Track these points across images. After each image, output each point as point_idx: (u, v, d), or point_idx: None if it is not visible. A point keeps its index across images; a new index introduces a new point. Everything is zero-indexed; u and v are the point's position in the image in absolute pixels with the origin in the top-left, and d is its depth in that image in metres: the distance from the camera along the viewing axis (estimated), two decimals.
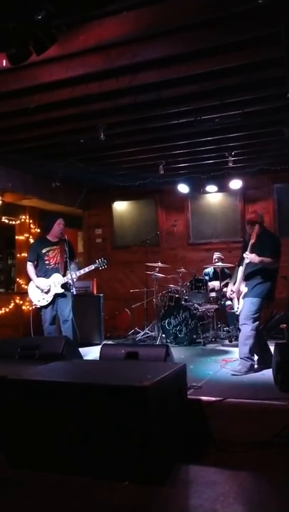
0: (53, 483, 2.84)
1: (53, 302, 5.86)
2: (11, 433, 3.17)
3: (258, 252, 4.95)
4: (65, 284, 5.83)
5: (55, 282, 5.84)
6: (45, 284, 5.83)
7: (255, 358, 5.05)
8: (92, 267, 6.07)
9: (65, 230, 6.07)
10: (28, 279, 6.16)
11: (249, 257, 4.94)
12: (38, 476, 2.94)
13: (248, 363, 4.88)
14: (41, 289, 5.83)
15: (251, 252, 4.96)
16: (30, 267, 5.98)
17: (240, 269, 5.13)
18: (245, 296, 5.04)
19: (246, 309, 4.98)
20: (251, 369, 4.88)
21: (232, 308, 5.59)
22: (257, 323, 4.96)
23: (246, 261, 4.98)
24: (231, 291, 5.27)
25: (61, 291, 5.82)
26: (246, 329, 4.94)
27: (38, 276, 5.90)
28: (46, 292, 5.83)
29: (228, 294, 5.42)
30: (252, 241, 4.95)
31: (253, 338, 4.91)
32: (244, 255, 5.00)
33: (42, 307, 5.90)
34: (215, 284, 7.72)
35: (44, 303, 5.86)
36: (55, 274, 5.86)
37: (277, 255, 5.00)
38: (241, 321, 5.04)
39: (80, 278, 6.15)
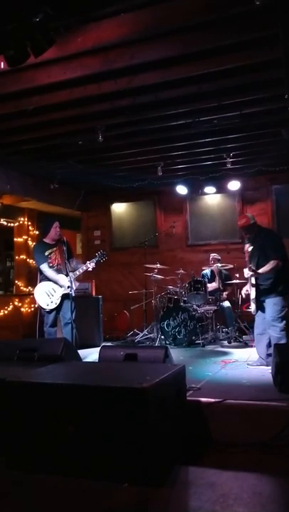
0: (52, 485, 2.83)
1: (60, 304, 5.87)
2: (10, 435, 3.16)
3: (259, 256, 4.98)
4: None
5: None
6: (64, 280, 5.79)
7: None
8: (94, 260, 6.04)
9: (62, 232, 6.07)
10: (28, 281, 6.16)
11: (249, 274, 5.01)
12: (37, 478, 2.93)
13: None
14: (61, 285, 5.78)
15: (250, 259, 4.99)
16: (46, 269, 5.89)
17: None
18: (265, 296, 5.05)
19: (271, 311, 5.00)
20: None
21: (248, 307, 5.67)
22: (284, 321, 4.95)
23: (247, 275, 5.04)
24: (246, 290, 5.31)
25: (68, 291, 5.79)
26: (275, 331, 4.96)
27: (45, 280, 5.90)
28: (59, 289, 5.81)
29: (243, 293, 5.44)
30: (248, 248, 4.95)
31: (285, 338, 4.89)
32: (245, 275, 5.06)
33: (51, 310, 5.89)
34: (214, 285, 7.72)
35: (53, 306, 5.84)
36: (59, 275, 5.86)
37: (281, 252, 4.98)
38: (269, 323, 5.04)
39: (79, 279, 6.15)
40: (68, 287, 5.75)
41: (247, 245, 5.36)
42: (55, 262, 5.93)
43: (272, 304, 4.99)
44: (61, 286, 5.81)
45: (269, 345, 5.03)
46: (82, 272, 5.96)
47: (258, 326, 5.29)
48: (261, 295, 5.13)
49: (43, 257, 5.97)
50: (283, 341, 4.88)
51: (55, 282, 5.83)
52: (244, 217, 5.44)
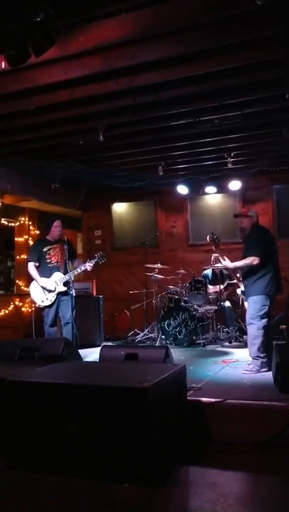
0: (52, 485, 2.84)
1: (55, 302, 5.87)
2: (11, 435, 3.17)
3: (245, 251, 5.04)
4: (66, 282, 5.83)
5: (57, 281, 5.85)
6: (50, 283, 5.84)
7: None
8: (93, 261, 6.04)
9: (64, 231, 6.07)
10: (29, 281, 6.17)
11: (223, 264, 5.15)
12: (37, 477, 2.94)
13: (259, 361, 4.86)
14: (47, 289, 5.82)
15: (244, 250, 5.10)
16: (31, 267, 5.96)
17: None
18: (247, 295, 5.07)
19: (250, 309, 5.00)
20: (263, 367, 4.84)
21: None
22: (264, 320, 4.93)
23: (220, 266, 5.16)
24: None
25: (64, 289, 5.81)
26: (253, 329, 4.95)
27: (43, 277, 5.90)
28: (50, 291, 5.82)
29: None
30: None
31: (262, 337, 4.89)
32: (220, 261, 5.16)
33: (46, 307, 5.90)
34: (215, 288, 7.70)
35: (48, 303, 5.86)
36: (56, 273, 5.87)
37: (258, 252, 4.95)
38: (247, 321, 5.05)
39: (79, 279, 6.16)
40: (53, 290, 5.81)
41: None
42: (55, 258, 5.94)
43: (252, 302, 4.99)
44: (45, 289, 5.83)
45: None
46: (80, 272, 5.98)
47: None
48: (246, 295, 5.16)
49: (36, 253, 6.01)
50: (259, 340, 4.87)
51: (42, 285, 5.87)
52: (247, 209, 5.48)
